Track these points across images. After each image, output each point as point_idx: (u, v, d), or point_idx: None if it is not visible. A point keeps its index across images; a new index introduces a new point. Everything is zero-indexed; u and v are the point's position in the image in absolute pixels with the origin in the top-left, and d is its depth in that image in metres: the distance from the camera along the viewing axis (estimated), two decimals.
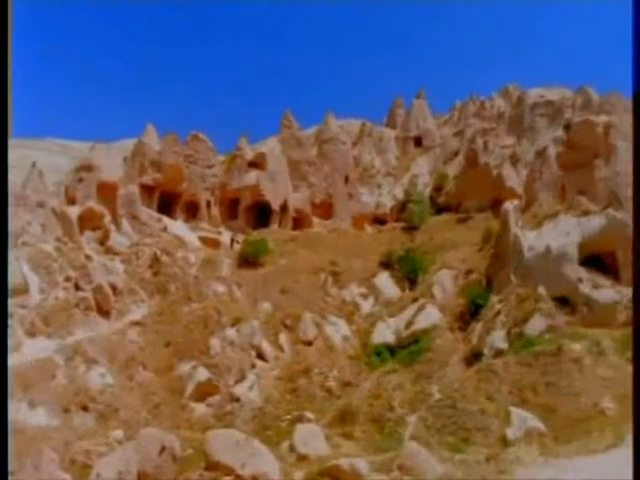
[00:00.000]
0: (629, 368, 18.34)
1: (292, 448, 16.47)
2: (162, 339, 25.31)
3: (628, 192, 32.59)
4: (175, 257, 31.70)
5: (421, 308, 28.12)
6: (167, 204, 42.05)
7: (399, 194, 52.39)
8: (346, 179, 51.38)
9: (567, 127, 47.29)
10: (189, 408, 21.26)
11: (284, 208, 44.92)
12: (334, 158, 52.03)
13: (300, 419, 19.36)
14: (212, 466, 14.32)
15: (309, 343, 25.89)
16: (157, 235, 35.32)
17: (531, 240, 27.76)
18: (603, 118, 46.73)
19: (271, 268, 33.39)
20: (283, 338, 25.89)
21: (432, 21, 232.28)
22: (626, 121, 57.44)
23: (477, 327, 24.67)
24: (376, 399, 20.46)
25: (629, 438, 14.01)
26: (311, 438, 16.80)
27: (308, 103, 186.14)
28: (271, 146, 47.92)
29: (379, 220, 49.68)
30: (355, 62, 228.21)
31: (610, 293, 23.27)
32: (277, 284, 30.72)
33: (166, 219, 39.27)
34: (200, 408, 21.20)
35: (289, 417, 19.83)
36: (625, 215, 27.52)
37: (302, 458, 15.94)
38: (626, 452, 13.28)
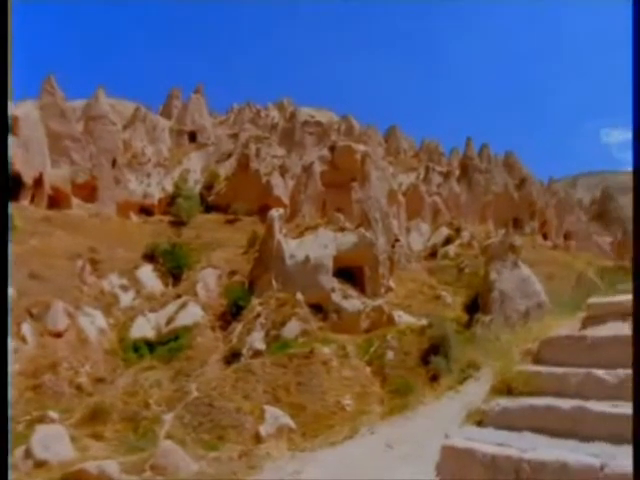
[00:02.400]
0: (367, 370, 21.01)
1: (29, 454, 14.78)
2: None
3: (377, 214, 37.21)
4: None
5: (183, 305, 27.91)
6: None
7: (169, 187, 51.14)
8: (113, 163, 48.23)
9: (332, 148, 51.69)
10: None
11: (39, 183, 40.09)
12: (102, 138, 48.42)
13: (42, 420, 17.45)
14: None
15: (58, 335, 23.53)
16: None
17: (293, 248, 29.64)
18: (361, 147, 52.52)
19: (18, 248, 29.38)
20: (27, 328, 23.02)
21: (224, 20, 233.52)
22: (379, 152, 65.74)
23: (237, 327, 25.44)
24: (131, 397, 19.58)
25: (362, 430, 16.06)
26: (54, 441, 15.28)
27: (78, 72, 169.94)
28: (27, 111, 42.24)
29: (146, 210, 47.78)
30: (137, 44, 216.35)
31: (357, 303, 26.20)
32: (25, 267, 27.19)
33: None
34: None
35: (28, 418, 17.74)
36: (373, 235, 31.35)
37: (41, 464, 14.35)
38: (358, 442, 15.24)
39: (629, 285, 12.22)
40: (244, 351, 23.24)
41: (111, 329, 25.89)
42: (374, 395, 18.88)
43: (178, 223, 41.44)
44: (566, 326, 9.42)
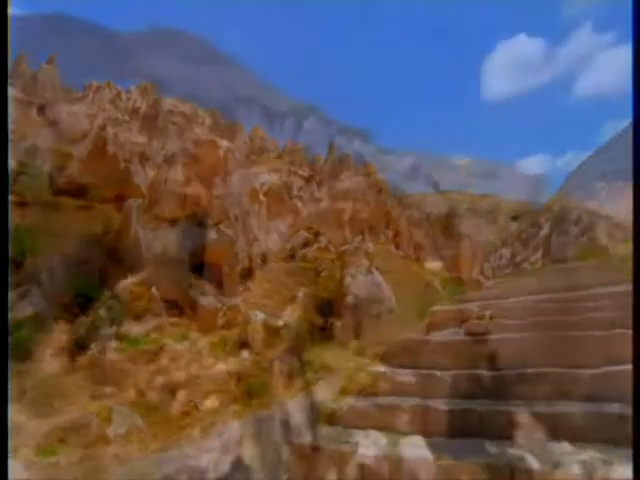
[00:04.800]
0: (219, 367, 21.02)
1: None
2: None
3: (237, 212, 37.25)
4: None
5: (24, 294, 25.63)
6: None
7: (12, 163, 46.54)
8: None
9: (195, 141, 50.63)
10: None
11: None
12: None
13: None
14: None
15: None
16: None
17: (149, 241, 28.64)
18: (225, 143, 52.12)
19: None
20: None
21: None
22: (243, 150, 65.73)
23: (86, 320, 24.01)
24: None
25: (212, 430, 16.10)
26: None
27: None
28: None
29: None
30: None
31: (213, 301, 26.04)
32: None
33: None
34: None
35: None
36: (232, 232, 31.33)
37: None
38: (210, 441, 15.28)
39: (465, 295, 13.74)
40: (92, 346, 21.99)
41: None
42: (228, 394, 18.97)
43: (22, 204, 37.67)
44: (413, 330, 10.44)
